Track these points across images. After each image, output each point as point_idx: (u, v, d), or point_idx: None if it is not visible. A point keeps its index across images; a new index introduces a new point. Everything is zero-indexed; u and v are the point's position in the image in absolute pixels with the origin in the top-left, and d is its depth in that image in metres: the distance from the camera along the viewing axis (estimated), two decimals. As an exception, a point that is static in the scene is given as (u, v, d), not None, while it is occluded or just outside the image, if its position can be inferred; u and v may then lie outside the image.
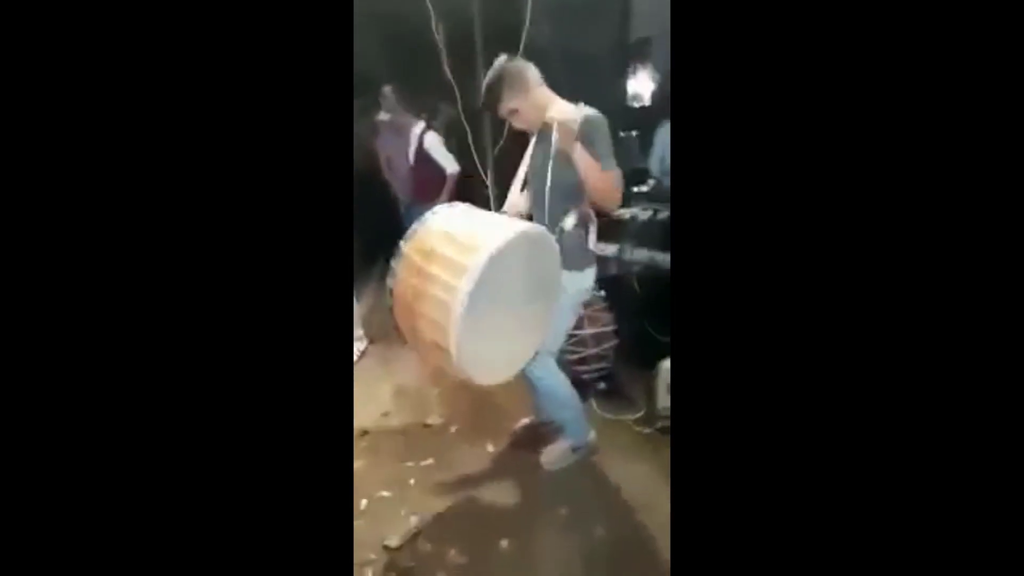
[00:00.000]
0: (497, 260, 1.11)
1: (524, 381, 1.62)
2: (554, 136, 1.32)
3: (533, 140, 1.57)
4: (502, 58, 1.44)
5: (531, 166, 1.56)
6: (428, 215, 1.28)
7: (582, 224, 1.48)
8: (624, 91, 2.98)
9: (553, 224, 1.44)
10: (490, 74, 1.42)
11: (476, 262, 1.10)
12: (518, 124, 1.49)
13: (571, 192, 1.43)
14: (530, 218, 1.54)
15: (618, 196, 1.43)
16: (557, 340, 1.62)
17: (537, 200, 1.51)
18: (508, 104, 1.43)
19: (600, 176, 1.34)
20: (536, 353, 1.49)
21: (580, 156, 1.32)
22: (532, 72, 1.43)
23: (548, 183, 1.41)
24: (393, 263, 1.25)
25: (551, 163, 1.41)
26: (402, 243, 1.25)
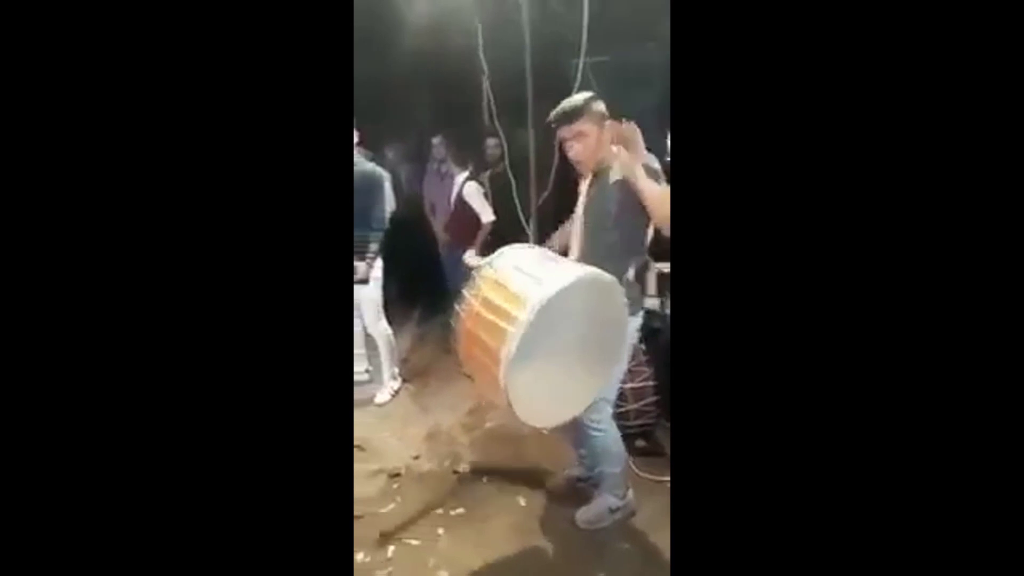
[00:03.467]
0: (559, 300, 1.12)
1: (578, 429, 1.59)
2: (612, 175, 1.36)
3: (586, 183, 1.60)
4: (589, 93, 1.51)
5: (587, 205, 1.57)
6: (495, 256, 1.31)
7: (641, 272, 1.50)
8: (664, 149, 3.06)
9: (604, 260, 1.42)
10: (575, 97, 1.50)
11: (537, 299, 1.10)
12: (576, 152, 1.50)
13: (633, 237, 1.46)
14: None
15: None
16: (614, 388, 1.59)
17: (592, 240, 1.53)
18: (580, 127, 1.47)
19: (663, 194, 1.35)
20: (594, 401, 1.46)
21: (643, 178, 1.35)
22: (607, 119, 1.49)
23: (608, 223, 1.46)
24: (457, 306, 1.28)
25: (613, 205, 1.45)
26: (464, 290, 1.28)
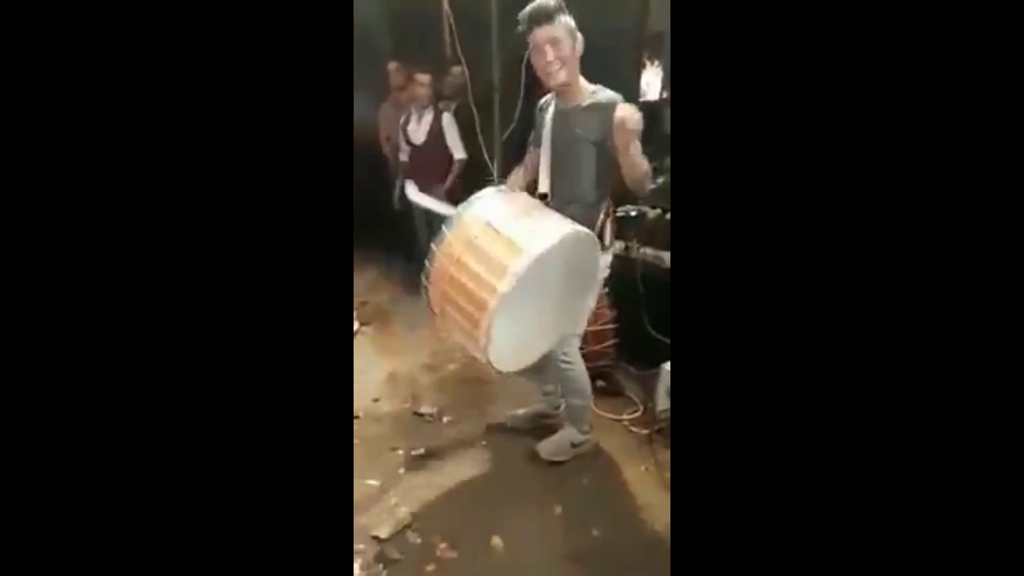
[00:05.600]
0: (539, 263, 1.11)
1: (549, 364, 1.62)
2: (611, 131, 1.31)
3: (550, 115, 1.48)
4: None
5: (556, 134, 1.47)
6: (472, 200, 1.27)
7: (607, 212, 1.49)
8: (636, 84, 2.92)
9: (574, 197, 1.44)
10: (545, 1, 1.31)
11: (517, 266, 1.10)
12: (549, 60, 1.34)
13: (603, 172, 1.43)
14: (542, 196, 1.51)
15: (649, 182, 1.42)
16: (583, 323, 1.60)
17: (563, 173, 1.48)
18: (554, 31, 1.31)
19: (642, 161, 1.34)
20: (566, 336, 1.52)
21: (634, 148, 1.32)
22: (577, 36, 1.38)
23: (582, 168, 1.42)
24: (434, 245, 1.25)
25: (592, 149, 1.39)
26: (444, 228, 1.25)
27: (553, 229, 1.17)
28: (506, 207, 1.27)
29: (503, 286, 1.09)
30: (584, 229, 1.24)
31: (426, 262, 1.28)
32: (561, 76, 1.36)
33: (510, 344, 1.24)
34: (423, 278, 1.30)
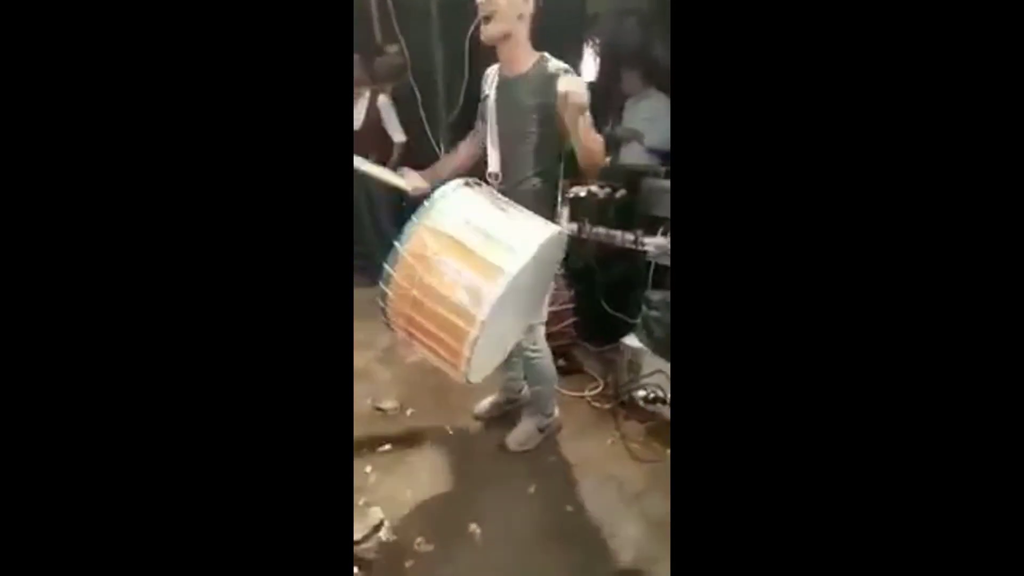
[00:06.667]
0: (516, 279, 1.03)
1: (516, 352, 1.62)
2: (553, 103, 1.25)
3: (493, 92, 1.43)
4: None
5: (501, 104, 1.41)
6: (422, 210, 1.12)
7: (550, 191, 1.44)
8: (576, 66, 2.94)
9: (517, 172, 1.39)
10: None
11: (493, 292, 1.00)
12: (493, 26, 1.29)
13: (548, 148, 1.37)
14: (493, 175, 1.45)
15: (603, 161, 1.39)
16: (545, 311, 1.60)
17: (508, 147, 1.41)
18: None
19: (595, 138, 1.27)
20: (532, 328, 1.53)
21: (583, 123, 1.24)
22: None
23: (531, 143, 1.36)
24: (387, 266, 1.10)
25: (539, 121, 1.33)
26: (398, 245, 1.10)
27: (528, 238, 1.08)
28: (468, 210, 1.13)
29: (482, 314, 1.00)
30: (556, 228, 1.18)
31: (381, 284, 1.13)
32: (493, 30, 1.29)
33: (485, 355, 1.19)
34: (379, 300, 1.16)
